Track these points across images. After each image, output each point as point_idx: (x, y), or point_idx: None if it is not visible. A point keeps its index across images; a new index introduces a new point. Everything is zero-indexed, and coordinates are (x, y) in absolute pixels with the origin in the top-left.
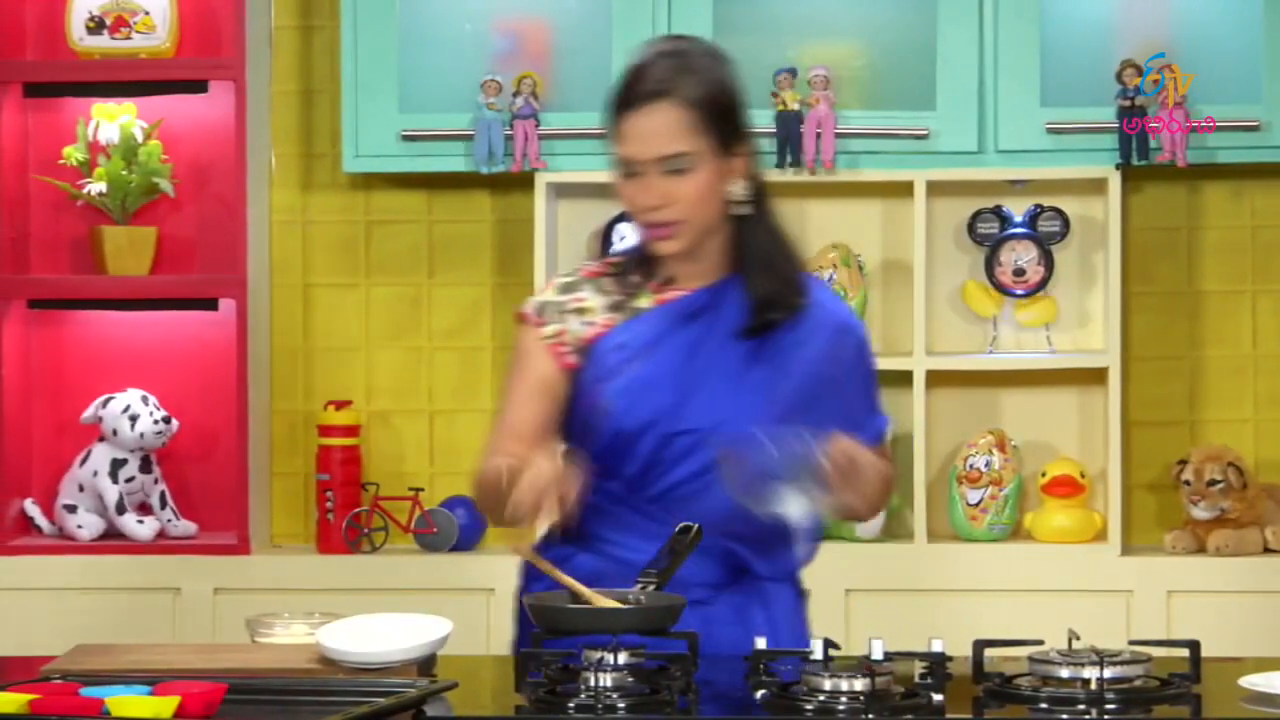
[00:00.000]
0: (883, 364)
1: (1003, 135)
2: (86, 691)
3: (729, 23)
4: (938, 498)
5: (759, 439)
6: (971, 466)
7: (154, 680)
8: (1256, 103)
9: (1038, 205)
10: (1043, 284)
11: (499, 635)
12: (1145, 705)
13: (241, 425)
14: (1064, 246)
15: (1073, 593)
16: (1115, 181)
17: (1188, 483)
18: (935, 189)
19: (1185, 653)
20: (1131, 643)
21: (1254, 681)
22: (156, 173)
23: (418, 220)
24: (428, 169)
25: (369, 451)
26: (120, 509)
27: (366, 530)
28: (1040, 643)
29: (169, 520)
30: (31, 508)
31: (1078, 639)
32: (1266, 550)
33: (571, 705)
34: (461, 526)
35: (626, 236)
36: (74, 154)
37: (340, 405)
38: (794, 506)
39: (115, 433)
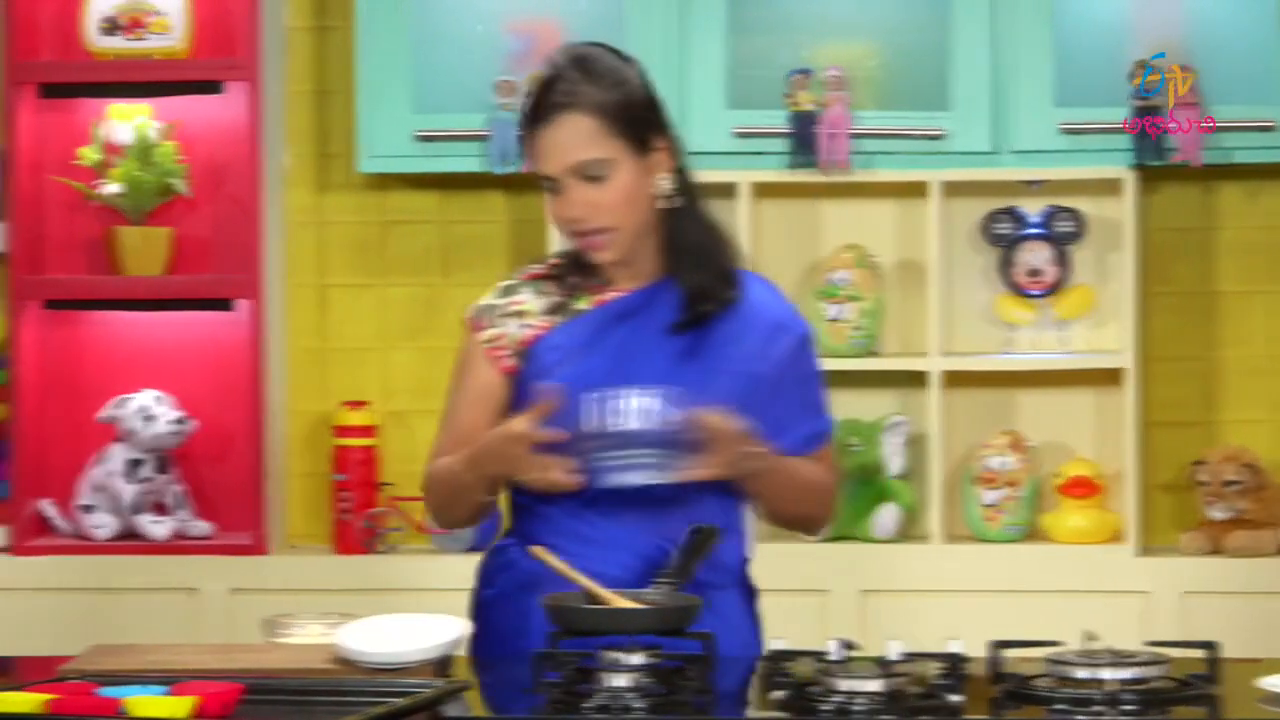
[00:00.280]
0: (898, 365)
1: (1017, 136)
2: (104, 691)
3: (743, 23)
4: (954, 499)
5: (614, 401)
6: (987, 467)
7: (171, 680)
8: (1272, 103)
9: (1053, 206)
10: (1058, 285)
11: None
12: (1163, 707)
13: (257, 425)
14: (1080, 247)
15: (1089, 593)
16: (1131, 182)
17: (1204, 483)
18: (950, 189)
19: (1202, 654)
20: (1148, 644)
21: (1272, 683)
22: (171, 173)
23: (432, 220)
24: (442, 169)
25: (385, 452)
26: (137, 509)
27: (383, 530)
28: (1057, 644)
29: (185, 520)
30: (48, 508)
31: (1095, 640)
32: None
33: (588, 706)
34: (477, 527)
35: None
36: (89, 155)
37: (356, 405)
38: (637, 474)
39: (132, 433)
